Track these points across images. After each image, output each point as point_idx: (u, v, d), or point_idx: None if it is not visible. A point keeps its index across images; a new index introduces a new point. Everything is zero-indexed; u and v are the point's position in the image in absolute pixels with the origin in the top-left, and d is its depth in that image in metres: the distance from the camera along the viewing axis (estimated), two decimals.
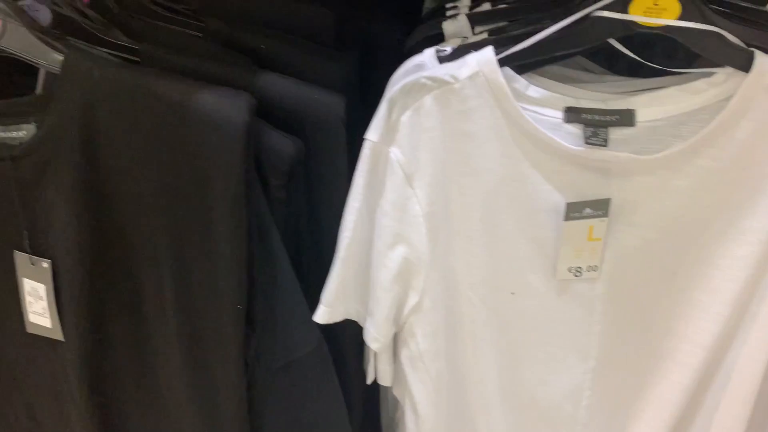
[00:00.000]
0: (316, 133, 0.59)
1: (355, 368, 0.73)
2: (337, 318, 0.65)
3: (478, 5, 0.67)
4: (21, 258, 0.64)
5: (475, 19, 0.63)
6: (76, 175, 0.59)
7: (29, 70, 0.61)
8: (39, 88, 0.61)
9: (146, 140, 0.56)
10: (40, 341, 0.67)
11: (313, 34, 0.68)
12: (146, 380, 0.68)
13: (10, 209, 0.62)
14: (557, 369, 0.63)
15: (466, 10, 0.68)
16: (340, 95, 0.60)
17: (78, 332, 0.65)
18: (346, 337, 0.71)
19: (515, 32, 0.56)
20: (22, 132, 0.60)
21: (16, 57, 0.59)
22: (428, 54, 0.57)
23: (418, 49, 0.60)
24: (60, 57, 0.58)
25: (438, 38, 0.66)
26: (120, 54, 0.62)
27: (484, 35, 0.61)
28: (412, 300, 0.65)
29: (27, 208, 0.61)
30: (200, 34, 0.70)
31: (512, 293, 0.61)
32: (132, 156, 0.57)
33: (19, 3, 0.58)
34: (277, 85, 0.60)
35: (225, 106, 0.54)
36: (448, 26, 0.67)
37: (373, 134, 0.58)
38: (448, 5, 0.75)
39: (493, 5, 0.65)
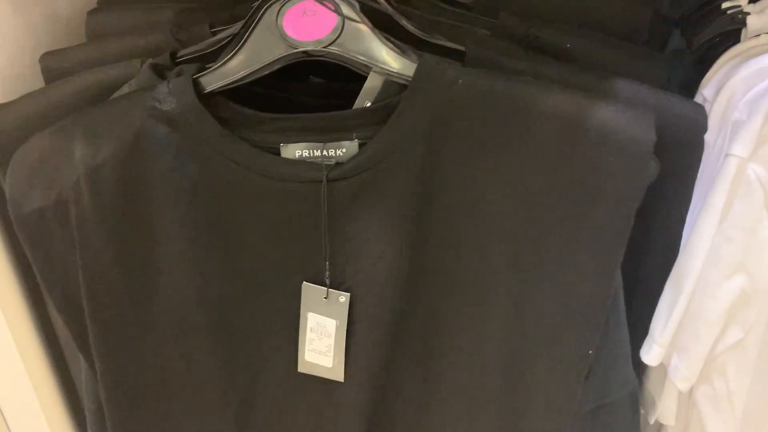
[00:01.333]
0: (673, 148, 0.51)
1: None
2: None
3: None
4: (312, 290, 0.55)
5: None
6: (407, 200, 0.51)
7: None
8: (361, 101, 0.51)
9: (516, 161, 0.47)
10: (310, 380, 0.59)
11: (623, 33, 0.60)
12: (425, 429, 0.59)
13: (311, 237, 0.53)
14: None
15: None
16: (700, 105, 0.52)
17: (364, 374, 0.57)
18: None
19: None
20: (341, 150, 0.51)
21: (345, 62, 0.49)
22: None
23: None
24: (410, 62, 0.48)
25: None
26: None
27: None
28: (734, 336, 0.59)
29: (332, 236, 0.52)
30: (488, 32, 0.61)
31: None
32: (485, 179, 0.49)
33: None
34: (632, 92, 0.51)
35: (631, 125, 0.46)
36: (753, 21, 0.60)
37: (741, 149, 0.53)
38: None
39: None
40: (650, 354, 0.58)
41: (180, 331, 0.57)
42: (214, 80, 0.50)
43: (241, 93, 0.52)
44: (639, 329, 0.60)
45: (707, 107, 0.62)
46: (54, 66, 0.61)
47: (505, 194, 0.48)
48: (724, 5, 0.67)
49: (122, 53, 0.58)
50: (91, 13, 0.66)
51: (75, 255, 0.53)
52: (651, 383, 0.66)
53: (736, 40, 0.64)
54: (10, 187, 0.53)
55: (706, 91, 0.63)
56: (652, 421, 0.68)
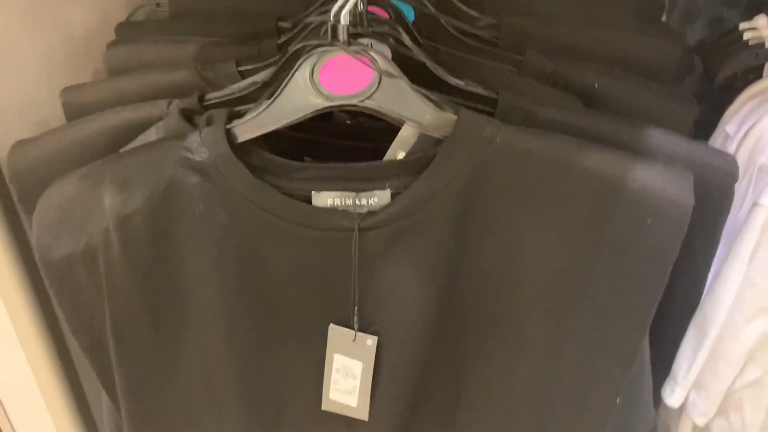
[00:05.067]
0: (704, 199, 0.51)
1: None
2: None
3: None
4: (339, 333, 0.55)
5: None
6: (440, 251, 0.51)
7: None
8: (394, 150, 0.51)
9: (555, 219, 0.48)
10: (334, 419, 0.59)
11: (652, 71, 0.60)
12: None
13: (340, 283, 0.53)
14: None
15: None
16: (731, 157, 0.53)
17: (389, 414, 0.58)
18: None
19: None
20: (374, 199, 0.51)
21: (381, 116, 0.49)
22: None
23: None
24: (447, 117, 0.48)
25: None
26: (468, 103, 0.52)
27: None
28: (753, 374, 0.60)
29: (362, 283, 0.52)
30: (514, 69, 0.60)
31: None
32: (523, 234, 0.49)
33: (358, 43, 0.48)
34: (666, 143, 0.52)
35: (671, 187, 0.47)
36: None
37: None
38: (744, 27, 0.68)
39: None
40: (673, 396, 0.59)
41: (206, 370, 0.57)
42: (247, 131, 0.50)
43: (267, 134, 0.52)
44: (659, 367, 0.60)
45: (730, 145, 0.62)
46: (75, 101, 0.60)
47: (542, 250, 0.49)
48: (746, 35, 0.67)
49: (146, 90, 0.57)
50: (111, 46, 0.64)
51: (102, 300, 0.53)
52: (667, 416, 0.67)
53: (758, 74, 0.64)
54: (37, 232, 0.52)
55: (729, 127, 0.64)
56: None
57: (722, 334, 0.59)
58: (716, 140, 0.63)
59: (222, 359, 0.57)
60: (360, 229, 0.50)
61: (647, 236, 0.47)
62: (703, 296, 0.58)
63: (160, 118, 0.54)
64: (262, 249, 0.52)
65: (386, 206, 0.51)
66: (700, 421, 0.63)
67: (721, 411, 0.63)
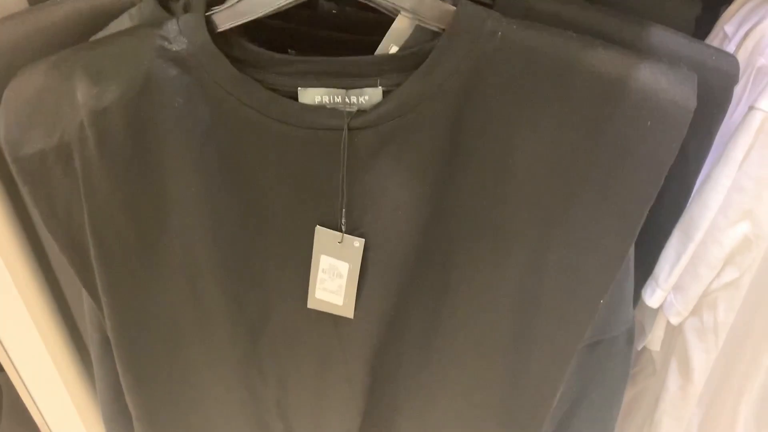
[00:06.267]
0: (702, 100, 0.50)
1: None
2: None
3: None
4: (326, 235, 0.55)
5: None
6: (433, 153, 0.49)
7: None
8: (386, 44, 0.48)
9: (554, 120, 0.46)
10: (319, 316, 0.59)
11: None
12: (431, 368, 0.62)
13: (328, 184, 0.51)
14: None
15: None
16: (733, 58, 0.51)
17: (374, 312, 0.58)
18: None
19: None
20: (364, 97, 0.48)
21: (375, 3, 0.45)
22: None
23: None
24: (446, 9, 0.45)
25: None
26: None
27: None
28: (730, 276, 0.62)
29: (350, 184, 0.51)
30: None
31: None
32: (519, 136, 0.47)
33: None
34: (670, 42, 0.50)
35: (674, 88, 0.45)
36: None
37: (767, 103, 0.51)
38: None
39: None
40: (653, 297, 0.60)
41: (189, 268, 0.57)
42: (227, 19, 0.47)
43: (248, 24, 0.48)
44: (640, 268, 0.61)
45: (728, 45, 0.60)
46: None
47: (538, 151, 0.47)
48: None
49: None
50: None
51: (79, 198, 0.51)
52: (642, 315, 0.69)
53: None
54: (4, 127, 0.49)
55: (728, 27, 0.62)
56: (639, 348, 0.71)
57: (705, 238, 0.59)
58: (713, 40, 0.61)
59: (205, 258, 0.56)
60: (349, 129, 0.48)
61: (646, 138, 0.46)
62: (690, 200, 0.58)
63: (133, 4, 0.50)
64: (246, 147, 0.50)
65: (377, 105, 0.48)
66: (675, 321, 0.64)
67: (695, 311, 0.65)
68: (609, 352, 0.62)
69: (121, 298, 0.57)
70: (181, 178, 0.51)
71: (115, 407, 0.68)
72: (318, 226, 0.54)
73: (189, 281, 0.57)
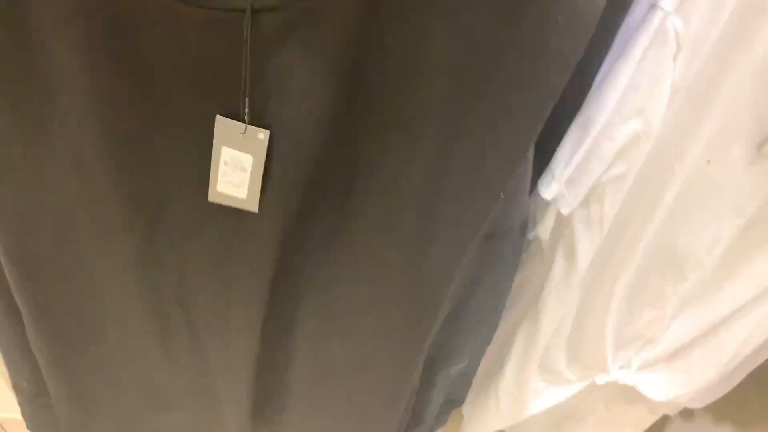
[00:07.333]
0: None
1: None
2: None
3: None
4: (228, 125, 0.53)
5: None
6: (344, 40, 0.47)
7: None
8: None
9: (465, 10, 0.45)
10: (221, 210, 0.58)
11: None
12: (337, 260, 0.63)
13: (230, 71, 0.48)
14: None
15: None
16: None
17: (279, 206, 0.57)
18: None
19: None
20: None
21: None
22: None
23: None
24: None
25: None
26: None
27: None
28: (618, 170, 0.66)
29: (254, 72, 0.49)
30: None
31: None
32: (429, 27, 0.46)
33: None
34: None
35: None
36: None
37: (669, 2, 0.53)
38: None
39: None
40: (549, 189, 0.62)
41: (78, 157, 0.53)
42: None
43: None
44: (537, 162, 0.63)
45: None
46: None
47: (450, 45, 0.47)
48: None
49: None
50: None
51: None
52: (535, 207, 0.72)
53: None
54: None
55: None
56: (530, 237, 0.75)
57: (599, 134, 0.61)
58: None
59: (95, 148, 0.52)
60: (253, 10, 0.45)
61: (555, 33, 0.46)
62: (588, 96, 0.60)
63: None
64: (138, 28, 0.46)
65: None
66: (565, 211, 0.68)
67: (584, 202, 0.69)
68: (503, 240, 0.65)
69: (4, 191, 0.52)
70: (65, 59, 0.46)
71: None
72: (218, 115, 0.51)
73: (78, 170, 0.54)
